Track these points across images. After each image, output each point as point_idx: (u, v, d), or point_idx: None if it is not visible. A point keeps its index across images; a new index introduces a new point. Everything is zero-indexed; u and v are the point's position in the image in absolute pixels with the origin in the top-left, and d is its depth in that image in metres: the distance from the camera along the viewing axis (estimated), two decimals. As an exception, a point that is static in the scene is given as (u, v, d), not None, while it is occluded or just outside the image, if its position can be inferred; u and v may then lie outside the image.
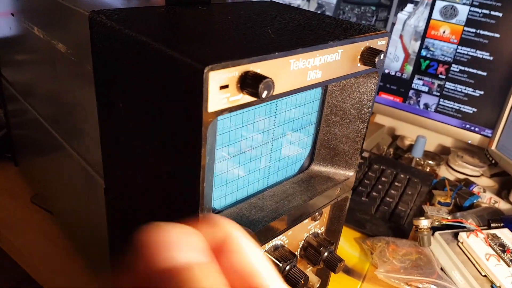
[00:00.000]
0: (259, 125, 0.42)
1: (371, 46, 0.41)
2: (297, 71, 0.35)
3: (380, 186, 0.81)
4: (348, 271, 0.65)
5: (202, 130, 0.30)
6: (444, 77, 0.94)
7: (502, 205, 0.82)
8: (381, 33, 0.43)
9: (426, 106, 0.97)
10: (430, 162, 0.95)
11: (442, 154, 1.01)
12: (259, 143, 0.43)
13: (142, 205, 0.42)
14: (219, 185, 0.41)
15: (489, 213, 0.75)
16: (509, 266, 0.59)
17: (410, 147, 0.99)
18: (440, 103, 0.95)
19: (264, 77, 0.30)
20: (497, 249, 0.61)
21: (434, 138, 1.05)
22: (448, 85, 0.93)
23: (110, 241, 0.50)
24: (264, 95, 0.30)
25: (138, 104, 0.37)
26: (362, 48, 0.40)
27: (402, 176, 0.86)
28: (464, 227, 0.68)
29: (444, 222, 0.68)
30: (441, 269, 0.62)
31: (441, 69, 0.94)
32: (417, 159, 0.95)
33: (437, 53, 0.93)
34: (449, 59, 0.92)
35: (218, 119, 0.36)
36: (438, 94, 0.95)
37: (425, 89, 0.96)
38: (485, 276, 0.59)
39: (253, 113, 0.40)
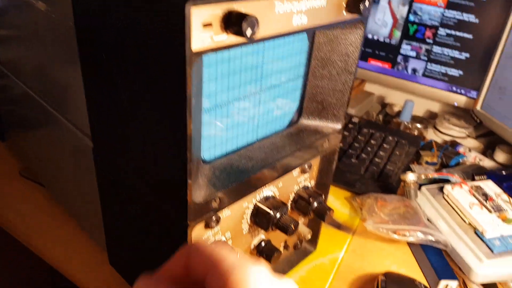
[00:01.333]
0: (246, 75, 0.43)
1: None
2: (282, 14, 0.35)
3: (369, 149, 0.83)
4: (339, 226, 0.67)
5: (187, 69, 0.31)
6: (431, 41, 0.95)
7: (487, 162, 0.84)
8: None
9: (414, 71, 0.98)
10: (418, 125, 0.97)
11: (430, 119, 1.03)
12: (247, 94, 0.44)
13: (130, 160, 0.43)
14: (207, 136, 0.42)
15: (474, 169, 0.77)
16: (491, 212, 0.61)
17: (399, 114, 1.00)
18: (428, 67, 0.96)
19: (247, 15, 0.31)
20: (480, 198, 0.63)
21: (422, 104, 1.06)
22: (436, 49, 0.94)
23: (101, 201, 0.51)
24: (248, 33, 0.31)
25: (122, 52, 0.37)
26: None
27: (390, 138, 0.87)
28: (450, 181, 0.70)
29: (430, 177, 0.70)
30: (428, 219, 0.64)
31: (428, 33, 0.95)
32: (406, 123, 0.97)
33: (424, 18, 0.94)
34: (436, 23, 0.93)
35: (204, 66, 0.38)
36: (426, 58, 0.96)
37: (413, 54, 0.97)
38: (468, 223, 0.61)
39: (239, 62, 0.41)
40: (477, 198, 0.64)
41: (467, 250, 0.58)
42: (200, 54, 0.31)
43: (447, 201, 0.66)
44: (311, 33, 0.48)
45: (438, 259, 0.59)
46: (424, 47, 0.96)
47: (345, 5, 0.42)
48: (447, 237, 0.60)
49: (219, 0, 0.31)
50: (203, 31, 0.30)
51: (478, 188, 0.66)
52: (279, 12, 0.35)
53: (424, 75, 0.97)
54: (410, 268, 0.60)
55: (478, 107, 0.87)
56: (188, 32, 0.29)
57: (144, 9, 0.33)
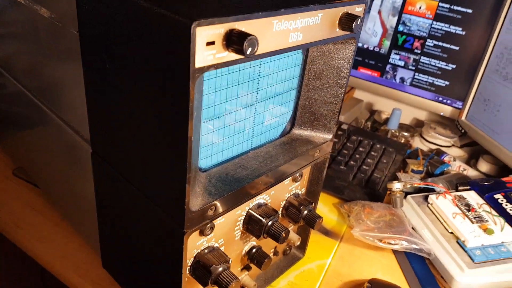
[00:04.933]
0: (243, 88, 0.44)
1: (349, 12, 0.44)
2: (280, 32, 0.37)
3: (357, 156, 0.85)
4: (327, 233, 0.69)
5: (190, 84, 0.32)
6: (419, 51, 0.97)
7: (470, 172, 0.87)
8: (359, 0, 0.45)
9: (402, 80, 1.00)
10: (405, 133, 0.99)
11: (416, 127, 1.06)
12: (243, 105, 0.45)
13: (130, 167, 0.44)
14: (205, 145, 0.43)
15: (458, 178, 0.79)
16: (473, 223, 0.63)
17: (387, 121, 1.02)
18: (415, 77, 0.99)
19: (248, 35, 0.32)
20: (463, 208, 0.66)
21: (409, 112, 1.09)
22: (423, 59, 0.97)
23: (98, 205, 0.52)
24: (248, 52, 0.33)
25: (126, 65, 0.38)
26: (341, 14, 0.43)
27: (378, 146, 0.89)
28: (434, 190, 0.73)
29: (416, 185, 0.72)
30: (412, 228, 0.66)
31: (416, 44, 0.97)
32: (393, 131, 0.99)
33: (413, 28, 0.96)
34: (424, 34, 0.96)
35: (204, 79, 0.39)
36: (414, 68, 0.98)
37: (402, 63, 1.00)
38: (451, 233, 0.64)
39: (237, 75, 0.42)
40: (460, 208, 0.66)
41: (449, 259, 0.60)
42: (202, 70, 0.32)
43: (431, 210, 0.68)
44: (306, 47, 0.50)
45: (422, 268, 0.61)
46: (412, 57, 0.98)
47: (338, 23, 0.43)
48: (430, 245, 0.62)
49: (222, 19, 0.32)
50: (206, 49, 0.32)
51: (461, 198, 0.68)
52: (277, 30, 0.37)
53: (411, 84, 1.00)
54: (394, 275, 0.62)
55: (463, 117, 0.90)
56: (193, 50, 0.31)
57: (151, 25, 0.34)
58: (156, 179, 0.41)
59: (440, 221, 0.66)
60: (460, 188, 0.72)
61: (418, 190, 0.75)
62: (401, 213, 0.68)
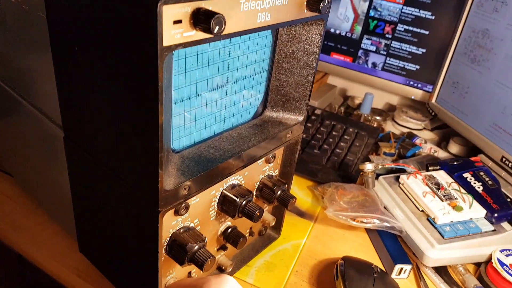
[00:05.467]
0: (213, 69, 0.44)
1: (317, -7, 0.44)
2: (247, 12, 0.37)
3: (330, 140, 0.86)
4: (302, 214, 0.70)
5: (158, 63, 0.32)
6: (390, 36, 0.99)
7: (441, 154, 0.89)
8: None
9: (374, 65, 1.02)
10: (377, 117, 1.01)
11: (388, 111, 1.08)
12: (214, 86, 0.46)
13: (102, 149, 0.44)
14: (177, 126, 0.44)
15: (428, 159, 0.82)
16: (442, 201, 0.65)
17: (360, 106, 1.04)
18: (387, 61, 1.01)
19: (215, 13, 0.33)
20: (433, 187, 0.68)
21: (382, 97, 1.11)
22: (394, 44, 0.99)
23: (72, 190, 0.52)
24: (215, 30, 0.33)
25: (95, 46, 0.38)
26: (310, -6, 0.44)
27: (351, 130, 0.91)
28: (406, 171, 0.75)
29: (387, 167, 0.74)
30: (384, 207, 0.67)
31: (387, 28, 0.99)
32: (365, 115, 1.01)
33: (384, 13, 0.98)
34: (395, 19, 0.97)
35: (174, 59, 0.39)
36: (385, 53, 1.00)
37: (373, 48, 1.01)
38: (422, 211, 0.66)
39: (207, 56, 0.43)
40: (430, 187, 0.68)
41: (420, 236, 0.62)
42: (170, 49, 0.33)
43: (402, 190, 0.70)
44: (275, 29, 0.50)
45: (394, 245, 0.63)
46: (383, 42, 1.00)
47: (306, 4, 0.44)
48: (402, 223, 0.64)
49: (189, -2, 0.32)
50: (173, 27, 0.32)
51: (431, 178, 0.70)
52: (244, 9, 0.37)
53: (383, 69, 1.01)
54: (367, 253, 0.64)
55: (433, 100, 0.92)
56: (160, 28, 0.31)
57: (117, 5, 0.34)
58: (129, 161, 0.41)
59: (411, 200, 0.68)
60: (430, 168, 0.74)
61: (390, 171, 0.77)
62: (373, 193, 0.69)
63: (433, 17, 0.94)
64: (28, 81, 0.54)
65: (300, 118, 0.55)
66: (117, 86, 0.38)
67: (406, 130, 0.99)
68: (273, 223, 0.58)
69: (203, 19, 0.33)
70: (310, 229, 0.67)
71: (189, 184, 0.41)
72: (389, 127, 1.01)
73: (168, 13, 0.31)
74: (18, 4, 0.47)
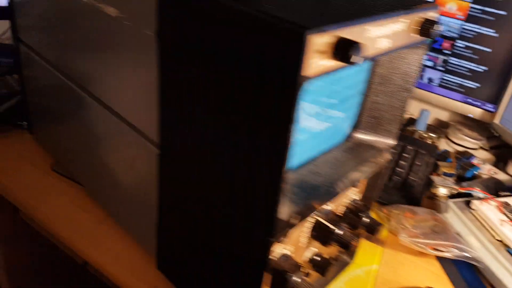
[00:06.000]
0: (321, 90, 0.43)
1: (429, 18, 0.42)
2: (372, 38, 0.36)
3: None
4: (368, 236, 0.68)
5: (297, 93, 0.31)
6: (449, 52, 0.96)
7: (501, 176, 0.87)
8: (433, 6, 0.44)
9: (430, 80, 1.00)
10: (432, 135, 0.99)
11: (441, 128, 1.05)
12: (317, 110, 0.44)
13: (209, 172, 0.42)
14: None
15: (494, 183, 0.79)
16: (522, 231, 0.63)
17: (410, 121, 1.02)
18: (444, 77, 0.98)
19: (355, 42, 0.31)
20: (509, 215, 0.65)
21: (432, 112, 1.08)
22: (452, 60, 0.96)
23: (160, 207, 0.50)
24: (353, 59, 0.31)
25: (214, 70, 0.37)
26: (421, 19, 0.42)
27: (409, 148, 0.89)
28: (472, 195, 0.72)
29: (459, 191, 0.72)
30: (457, 234, 0.65)
31: (446, 44, 0.97)
32: (420, 132, 0.98)
33: (443, 29, 0.95)
34: (454, 35, 0.95)
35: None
36: (443, 69, 0.98)
37: (430, 63, 0.99)
38: (499, 240, 0.63)
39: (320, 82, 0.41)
40: (506, 215, 0.66)
41: (501, 268, 0.59)
42: (308, 78, 0.31)
43: (475, 216, 0.67)
44: (391, 53, 0.49)
45: (471, 276, 0.61)
46: (441, 57, 0.97)
47: (416, 29, 0.42)
48: (479, 254, 0.61)
49: (332, 26, 0.31)
50: (315, 57, 0.30)
51: (506, 205, 0.68)
52: (369, 36, 0.35)
53: (440, 85, 0.99)
54: (443, 283, 0.61)
55: (497, 121, 0.90)
56: (304, 59, 0.29)
57: (254, 37, 0.32)
58: (245, 186, 0.39)
59: (486, 228, 0.65)
60: (501, 193, 0.71)
61: (457, 194, 0.75)
62: (445, 218, 0.67)
63: (497, 35, 0.91)
64: (122, 96, 0.52)
65: (391, 141, 0.53)
66: (241, 110, 0.36)
67: (460, 149, 0.97)
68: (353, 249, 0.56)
69: (343, 48, 0.31)
70: (382, 254, 0.65)
71: (298, 212, 0.40)
72: (443, 144, 0.99)
73: (314, 43, 0.29)
74: (118, 20, 0.46)
